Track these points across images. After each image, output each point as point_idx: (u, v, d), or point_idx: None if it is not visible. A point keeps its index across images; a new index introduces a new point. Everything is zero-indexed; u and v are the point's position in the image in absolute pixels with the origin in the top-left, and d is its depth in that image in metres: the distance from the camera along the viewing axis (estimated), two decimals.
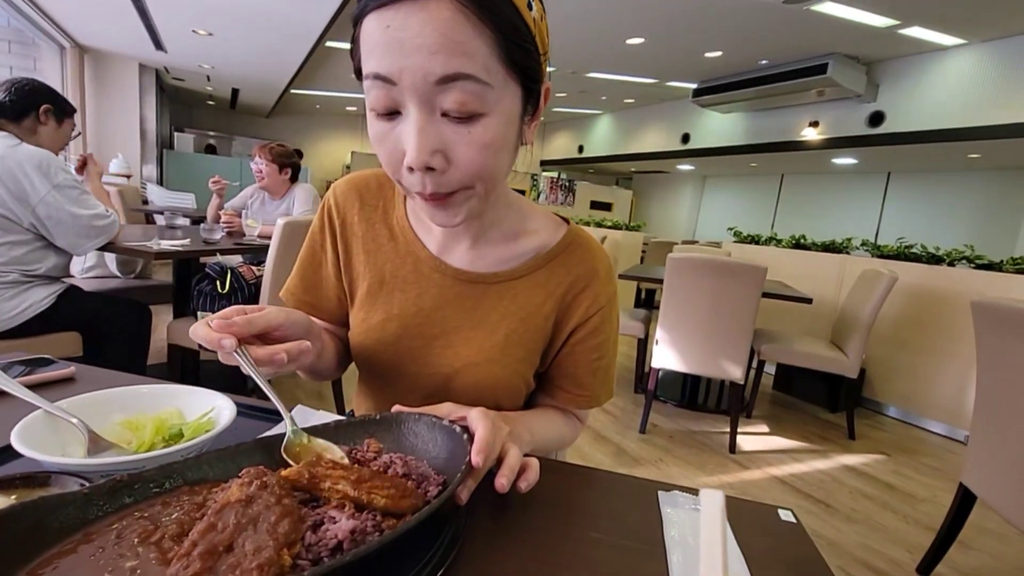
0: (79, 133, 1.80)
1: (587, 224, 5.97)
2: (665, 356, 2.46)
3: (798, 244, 3.74)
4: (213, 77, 7.04)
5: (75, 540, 0.31)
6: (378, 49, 0.43)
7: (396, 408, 0.49)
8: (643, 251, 6.10)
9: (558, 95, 7.75)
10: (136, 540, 0.31)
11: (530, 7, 0.46)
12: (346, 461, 0.42)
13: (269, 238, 1.84)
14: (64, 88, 5.25)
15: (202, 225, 2.15)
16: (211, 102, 9.43)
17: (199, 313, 1.75)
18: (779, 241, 3.90)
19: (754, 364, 2.74)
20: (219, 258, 1.98)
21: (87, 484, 0.35)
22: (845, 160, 6.75)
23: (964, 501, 1.53)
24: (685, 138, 7.37)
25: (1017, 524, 1.28)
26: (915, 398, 3.03)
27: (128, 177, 4.21)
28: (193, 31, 4.81)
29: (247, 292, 1.85)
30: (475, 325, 0.62)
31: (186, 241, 1.96)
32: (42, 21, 4.63)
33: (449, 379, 0.62)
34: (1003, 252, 3.12)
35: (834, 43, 4.66)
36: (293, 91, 7.64)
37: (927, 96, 4.74)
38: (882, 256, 3.26)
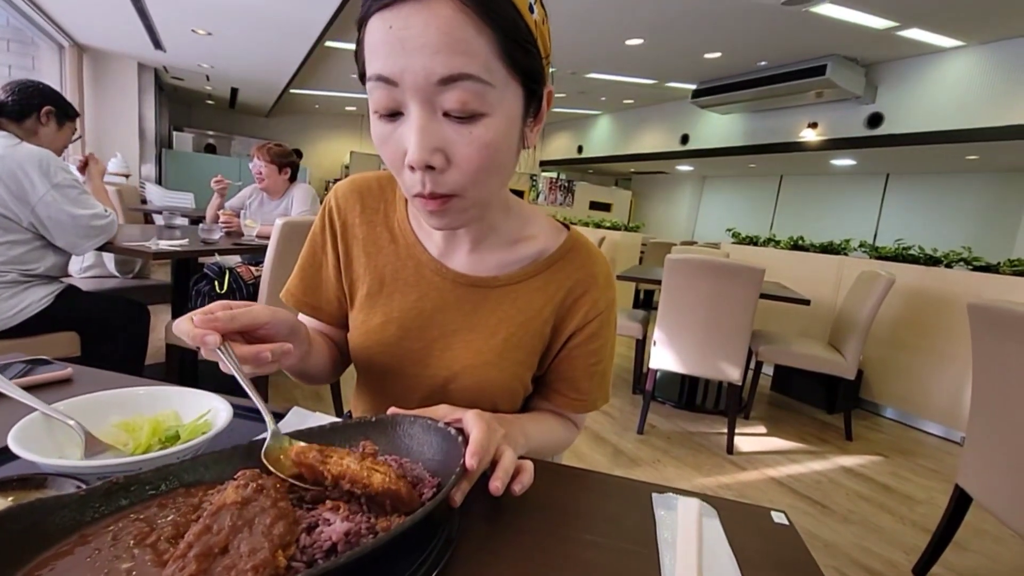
0: (79, 136, 1.80)
1: (585, 225, 5.98)
2: (663, 357, 2.47)
3: (796, 245, 3.74)
4: (212, 76, 7.03)
5: (71, 542, 0.31)
6: (381, 50, 0.43)
7: (392, 410, 0.49)
8: (642, 252, 6.11)
9: (557, 95, 7.73)
10: (132, 542, 0.31)
11: (532, 10, 0.46)
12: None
13: (267, 238, 1.84)
14: (63, 87, 5.25)
15: (200, 225, 2.15)
16: (210, 101, 9.42)
17: None
18: (777, 242, 3.91)
19: (752, 365, 2.74)
20: (217, 258, 1.98)
21: (84, 486, 0.36)
22: (844, 161, 6.76)
23: (960, 503, 1.53)
24: (684, 139, 7.38)
25: (1013, 526, 1.28)
26: (912, 399, 3.04)
27: (127, 176, 4.22)
28: (192, 30, 4.81)
29: (245, 292, 1.85)
30: (474, 328, 0.62)
31: (184, 241, 1.96)
32: (41, 20, 4.63)
33: (448, 382, 0.63)
34: (1001, 254, 3.13)
35: (833, 45, 4.66)
36: (292, 91, 7.64)
37: (926, 98, 4.75)
38: (880, 258, 3.27)
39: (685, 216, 10.37)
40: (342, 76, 7.07)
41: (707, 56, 5.26)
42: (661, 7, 4.14)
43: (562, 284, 0.63)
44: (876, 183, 7.39)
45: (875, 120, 5.15)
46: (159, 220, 3.62)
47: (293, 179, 2.77)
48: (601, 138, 9.09)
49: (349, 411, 0.78)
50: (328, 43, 5.09)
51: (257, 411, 0.60)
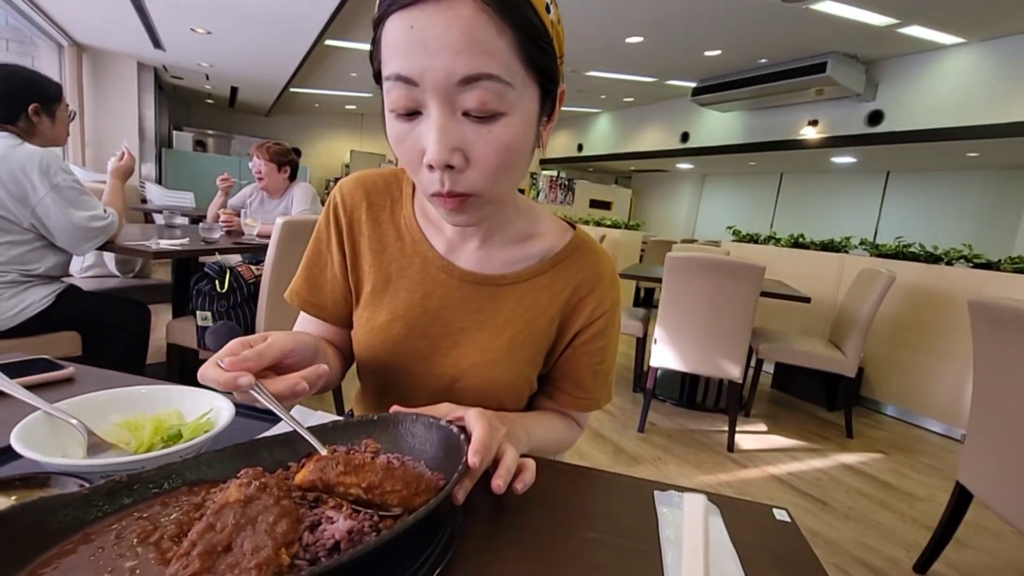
0: (74, 113, 1.74)
1: (586, 223, 5.97)
2: (664, 355, 2.47)
3: (797, 243, 3.74)
4: (212, 76, 7.03)
5: (75, 540, 0.31)
6: (401, 50, 0.43)
7: (394, 408, 0.49)
8: (642, 250, 6.11)
9: None
10: (135, 540, 0.31)
11: (548, 9, 0.47)
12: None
13: (268, 237, 1.84)
14: (63, 87, 5.24)
15: (201, 224, 2.15)
16: (210, 101, 9.41)
17: (198, 313, 1.76)
18: (778, 240, 3.91)
19: (752, 363, 2.74)
20: (218, 257, 1.98)
21: (86, 485, 0.36)
22: (844, 159, 6.76)
23: (961, 499, 1.53)
24: (684, 137, 7.37)
25: (1013, 522, 1.28)
26: (913, 397, 3.04)
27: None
28: (192, 29, 4.81)
29: (246, 291, 1.85)
30: (481, 326, 0.62)
31: (185, 240, 1.96)
32: (40, 19, 4.62)
33: (454, 380, 0.62)
34: (1001, 251, 3.13)
35: (833, 42, 4.66)
36: (292, 89, 7.63)
37: (926, 95, 4.74)
38: (880, 255, 3.27)
39: (685, 214, 10.36)
40: (342, 75, 7.06)
41: (707, 54, 5.25)
42: (661, 4, 4.13)
43: (568, 282, 0.63)
44: (876, 180, 7.38)
45: (875, 117, 5.14)
46: (159, 219, 3.62)
47: (293, 178, 2.77)
48: (601, 136, 9.09)
49: (351, 410, 0.78)
50: (328, 42, 5.08)
51: (259, 410, 0.61)
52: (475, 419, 0.46)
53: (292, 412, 0.58)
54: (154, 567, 0.29)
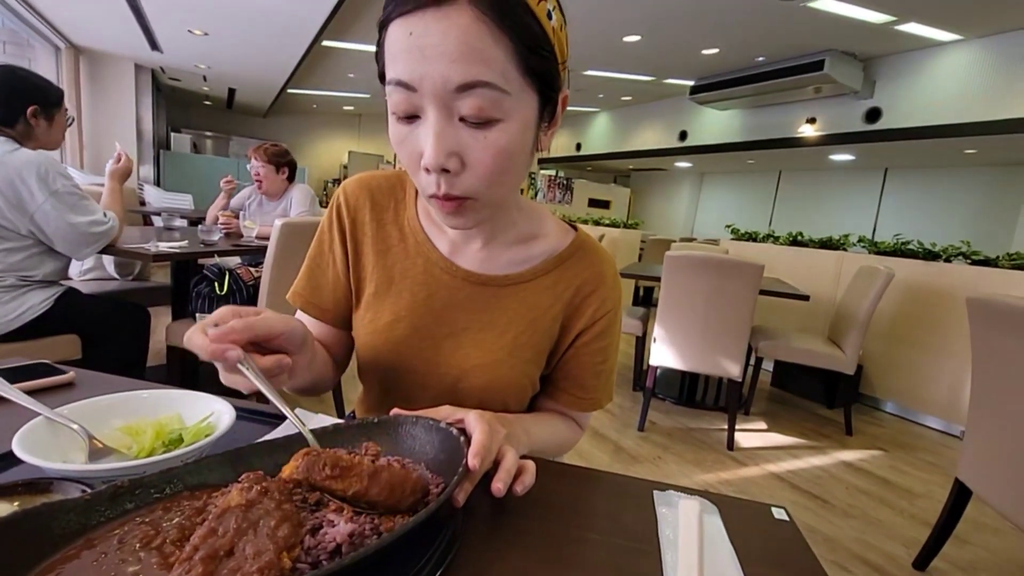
0: (72, 119, 1.74)
1: (585, 222, 5.98)
2: (663, 354, 2.47)
3: (795, 241, 3.75)
4: (209, 77, 7.02)
5: (78, 546, 0.31)
6: (401, 56, 0.44)
7: (395, 411, 0.50)
8: (641, 249, 6.11)
9: None
10: (138, 545, 0.31)
11: (550, 16, 0.47)
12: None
13: (267, 239, 1.84)
14: (64, 92, 5.23)
15: (200, 226, 2.15)
16: (208, 102, 9.40)
17: (197, 315, 1.76)
18: (776, 238, 3.91)
19: (751, 361, 2.75)
20: (217, 260, 1.98)
21: (89, 490, 0.36)
22: (842, 156, 6.76)
23: (960, 496, 1.54)
24: (682, 135, 7.37)
25: (1012, 519, 1.29)
26: (912, 394, 3.05)
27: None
28: (189, 31, 4.80)
29: (245, 293, 1.85)
30: (484, 327, 0.62)
31: (184, 243, 1.96)
32: (37, 22, 4.61)
33: (458, 380, 0.63)
34: (999, 248, 3.13)
35: (831, 40, 4.66)
36: (290, 91, 7.62)
37: (924, 92, 4.75)
38: (879, 253, 3.28)
39: (684, 213, 10.37)
40: (340, 76, 7.06)
41: (705, 52, 5.25)
42: (658, 3, 4.13)
43: (571, 283, 0.64)
44: (875, 178, 7.39)
45: (873, 115, 5.15)
46: (158, 221, 3.62)
47: (291, 179, 2.77)
48: (599, 135, 9.09)
49: (352, 411, 0.78)
50: (325, 43, 5.07)
51: (260, 413, 0.61)
52: (475, 421, 0.46)
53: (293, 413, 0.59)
54: (157, 572, 0.29)
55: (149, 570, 0.30)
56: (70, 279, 2.30)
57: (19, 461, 0.41)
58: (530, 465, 0.48)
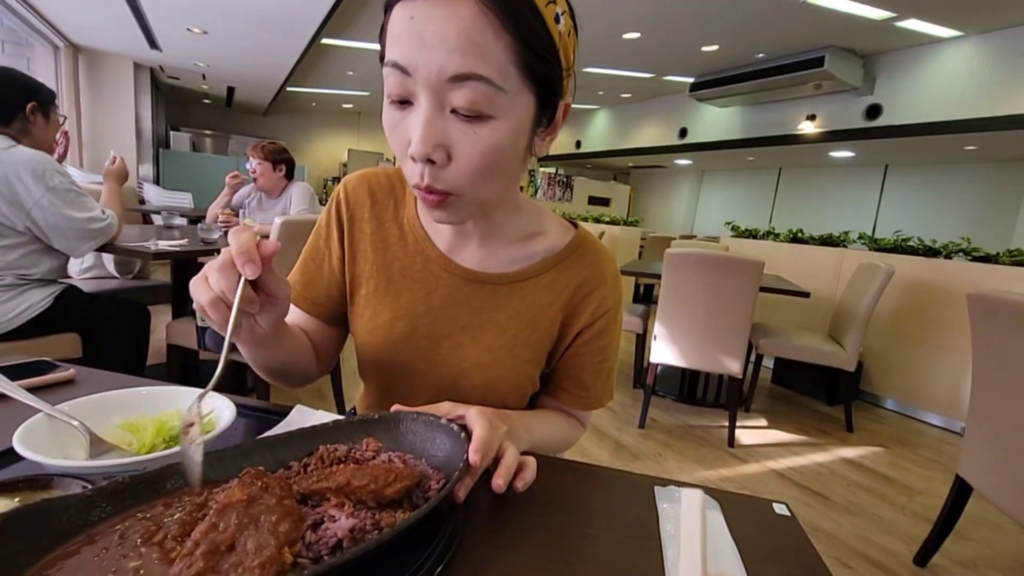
0: (64, 119, 1.76)
1: (585, 220, 5.97)
2: (663, 351, 2.47)
3: (796, 238, 3.74)
4: (208, 76, 7.00)
5: (79, 541, 0.31)
6: (400, 38, 0.44)
7: (395, 407, 0.49)
8: (641, 246, 6.10)
9: None
10: (139, 540, 0.31)
11: (558, 20, 0.46)
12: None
13: (267, 238, 1.84)
14: (58, 88, 5.23)
15: (199, 225, 2.15)
16: (207, 101, 9.39)
17: (197, 314, 1.75)
18: (777, 235, 3.91)
19: (752, 358, 2.75)
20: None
21: (89, 486, 0.36)
22: (842, 153, 6.75)
23: (960, 492, 1.54)
24: (682, 132, 7.36)
25: (1012, 514, 1.29)
26: (912, 390, 3.05)
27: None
28: (187, 29, 4.79)
29: None
30: (483, 325, 0.62)
31: (183, 241, 1.96)
32: (36, 21, 4.60)
33: (457, 379, 0.63)
34: (1000, 244, 3.13)
35: (831, 36, 4.65)
36: (289, 89, 7.61)
37: (924, 88, 4.74)
38: (879, 249, 3.27)
39: (684, 210, 10.36)
40: (339, 74, 7.05)
41: (705, 49, 5.24)
42: (657, 0, 4.12)
43: (571, 281, 0.63)
44: (875, 175, 7.39)
45: (873, 111, 5.14)
46: (157, 220, 3.61)
47: (290, 176, 2.76)
48: (599, 133, 9.07)
49: (353, 408, 0.78)
50: (324, 40, 5.06)
51: (261, 409, 0.61)
52: (476, 417, 0.46)
53: (294, 411, 0.59)
54: (158, 567, 0.29)
55: (150, 565, 0.30)
56: (70, 278, 2.30)
57: (20, 457, 0.41)
58: (531, 461, 0.48)
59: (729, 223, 4.32)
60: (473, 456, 0.41)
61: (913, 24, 4.25)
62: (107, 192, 1.84)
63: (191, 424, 0.36)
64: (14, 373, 0.62)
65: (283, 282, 0.46)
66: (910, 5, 3.92)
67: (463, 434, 0.44)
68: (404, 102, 0.46)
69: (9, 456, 0.44)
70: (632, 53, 5.52)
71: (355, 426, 0.48)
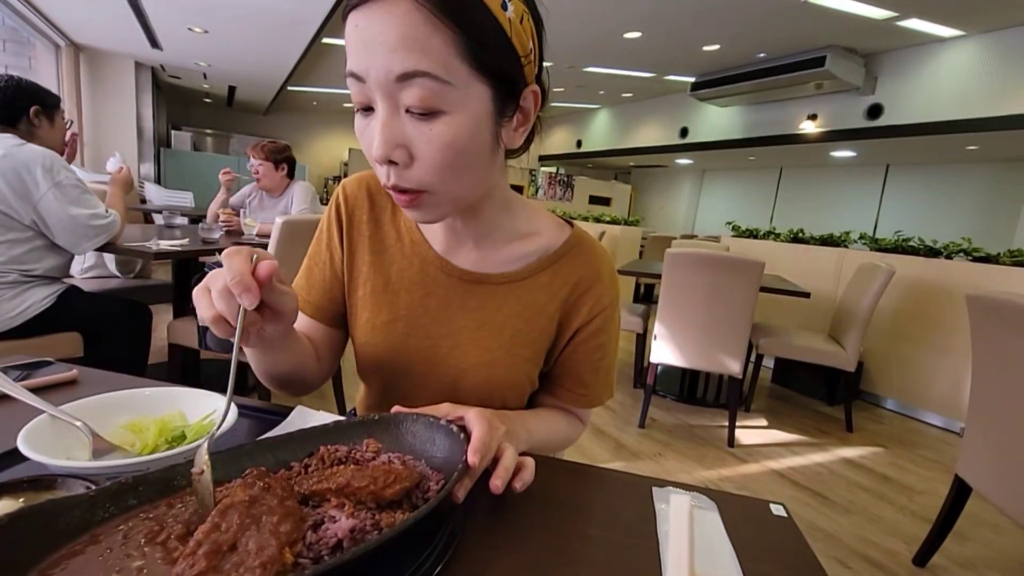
0: (71, 122, 1.80)
1: (585, 220, 5.97)
2: (664, 351, 2.48)
3: (796, 238, 3.74)
4: (209, 75, 7.01)
5: (83, 541, 0.32)
6: (351, 48, 0.45)
7: (395, 408, 0.50)
8: (642, 246, 6.10)
9: (556, 90, 7.73)
10: (142, 540, 0.32)
11: (505, 7, 0.46)
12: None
13: (267, 237, 1.84)
14: (60, 87, 5.23)
15: (200, 224, 2.15)
16: (208, 100, 9.39)
17: (199, 315, 1.76)
18: (777, 235, 3.91)
19: (752, 358, 2.75)
20: (218, 257, 1.98)
21: (93, 487, 0.36)
22: (844, 153, 6.74)
23: (960, 493, 1.54)
24: (683, 132, 7.36)
25: (1012, 515, 1.29)
26: (913, 391, 3.05)
27: None
28: (189, 28, 4.80)
29: None
30: (481, 325, 0.63)
31: (185, 241, 1.96)
32: (37, 20, 4.61)
33: (456, 379, 0.63)
34: (1001, 244, 3.13)
35: (832, 36, 4.64)
36: (290, 88, 7.61)
37: (925, 88, 4.73)
38: (880, 250, 3.27)
39: (685, 210, 10.35)
40: (340, 73, 6.98)
41: (706, 48, 5.23)
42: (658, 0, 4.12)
43: (567, 280, 0.64)
44: (876, 175, 7.37)
45: (875, 111, 5.13)
46: (159, 220, 3.62)
47: (291, 175, 2.76)
48: (600, 132, 9.07)
49: (353, 409, 0.78)
50: (325, 40, 5.07)
51: (262, 410, 0.61)
52: (475, 419, 0.46)
53: (295, 412, 0.59)
54: (161, 567, 0.30)
55: (153, 564, 0.30)
56: (72, 277, 2.31)
57: (24, 458, 0.41)
58: (529, 462, 0.48)
59: (730, 223, 4.32)
60: (472, 457, 0.42)
61: (915, 24, 4.24)
62: (111, 194, 1.87)
63: (201, 472, 0.36)
64: (17, 374, 0.62)
65: (288, 295, 0.46)
66: (912, 5, 3.92)
67: (462, 435, 0.45)
68: (367, 108, 0.47)
69: (13, 457, 0.44)
70: (633, 53, 5.52)
71: (355, 427, 0.48)
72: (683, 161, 9.21)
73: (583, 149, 9.46)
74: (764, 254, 3.43)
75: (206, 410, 0.53)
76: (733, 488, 2.00)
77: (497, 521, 0.45)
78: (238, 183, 2.88)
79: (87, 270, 2.49)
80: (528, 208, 0.66)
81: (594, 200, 9.29)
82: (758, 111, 6.36)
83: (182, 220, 2.64)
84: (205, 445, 0.37)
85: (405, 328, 0.63)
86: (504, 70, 0.47)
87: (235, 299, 0.41)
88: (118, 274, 2.55)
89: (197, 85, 7.95)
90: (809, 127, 5.76)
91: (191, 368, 2.07)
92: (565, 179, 9.09)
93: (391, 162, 0.47)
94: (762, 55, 5.31)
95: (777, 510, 0.52)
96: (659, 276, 2.49)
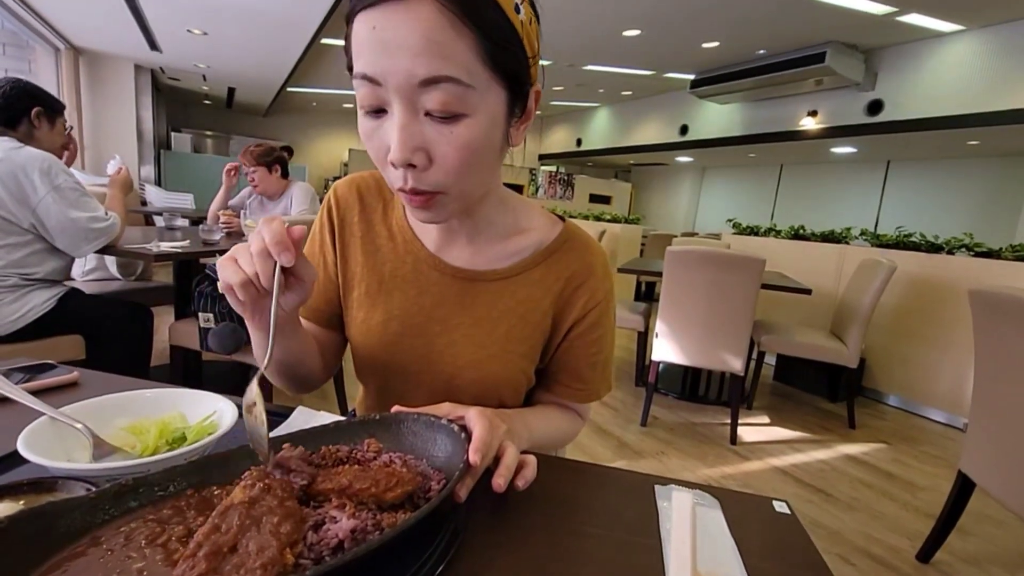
0: (72, 127, 1.80)
1: (585, 218, 5.96)
2: (665, 349, 2.47)
3: (797, 235, 3.74)
4: (209, 76, 7.01)
5: (84, 543, 0.32)
6: (365, 50, 0.44)
7: (396, 408, 0.50)
8: (642, 244, 6.10)
9: (555, 88, 7.72)
10: (143, 542, 0.32)
11: (517, 10, 0.46)
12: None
13: None
14: (60, 90, 5.24)
15: (201, 226, 2.16)
16: (207, 102, 9.39)
17: (200, 315, 1.76)
18: (778, 232, 3.90)
19: (754, 355, 2.74)
20: (219, 259, 1.98)
21: (93, 488, 0.36)
22: (844, 149, 6.73)
23: (963, 488, 1.54)
24: (683, 130, 7.35)
25: (1015, 510, 1.29)
26: (915, 386, 3.04)
27: None
28: (188, 31, 4.79)
29: None
30: (476, 322, 0.63)
31: (185, 242, 1.97)
32: (36, 23, 4.61)
33: (452, 377, 0.63)
34: (1002, 239, 3.12)
35: (832, 31, 4.63)
36: (289, 89, 7.61)
37: (926, 83, 4.72)
38: (881, 246, 3.26)
39: (685, 207, 10.33)
40: (338, 74, 7.04)
41: (705, 46, 5.22)
42: None
43: (560, 275, 0.64)
44: (877, 170, 7.35)
45: (875, 107, 5.12)
46: (159, 221, 3.62)
47: (285, 175, 2.75)
48: (600, 130, 9.06)
49: (353, 409, 0.78)
50: (324, 40, 5.07)
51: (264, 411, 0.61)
52: (476, 418, 0.46)
53: (296, 412, 0.59)
54: (162, 568, 0.30)
55: (154, 566, 0.30)
56: (73, 280, 2.31)
57: (24, 460, 0.41)
58: (531, 460, 0.48)
59: (731, 220, 4.31)
60: (473, 456, 0.42)
61: (915, 19, 4.23)
62: (111, 196, 1.87)
63: (253, 404, 0.39)
64: (18, 376, 0.62)
65: (309, 265, 0.48)
66: None
67: (463, 434, 0.44)
68: (378, 111, 0.47)
69: (13, 459, 0.44)
70: (632, 50, 5.51)
71: (356, 427, 0.48)
72: (683, 159, 9.19)
73: (583, 148, 9.45)
74: (765, 251, 3.41)
75: (206, 411, 0.53)
76: (736, 486, 2.00)
77: (499, 520, 0.45)
78: (238, 186, 2.87)
79: (88, 273, 2.49)
80: (521, 204, 0.66)
81: (594, 199, 9.29)
82: (758, 108, 6.35)
83: (183, 222, 2.64)
84: (256, 379, 0.40)
85: (400, 327, 0.63)
86: (518, 72, 0.48)
87: (271, 259, 0.43)
88: (119, 276, 2.55)
89: (196, 87, 7.95)
90: (809, 123, 5.75)
91: (193, 370, 2.07)
92: (565, 178, 9.08)
93: (410, 165, 0.47)
94: (762, 52, 5.30)
95: (780, 507, 0.52)
96: (660, 274, 2.49)
